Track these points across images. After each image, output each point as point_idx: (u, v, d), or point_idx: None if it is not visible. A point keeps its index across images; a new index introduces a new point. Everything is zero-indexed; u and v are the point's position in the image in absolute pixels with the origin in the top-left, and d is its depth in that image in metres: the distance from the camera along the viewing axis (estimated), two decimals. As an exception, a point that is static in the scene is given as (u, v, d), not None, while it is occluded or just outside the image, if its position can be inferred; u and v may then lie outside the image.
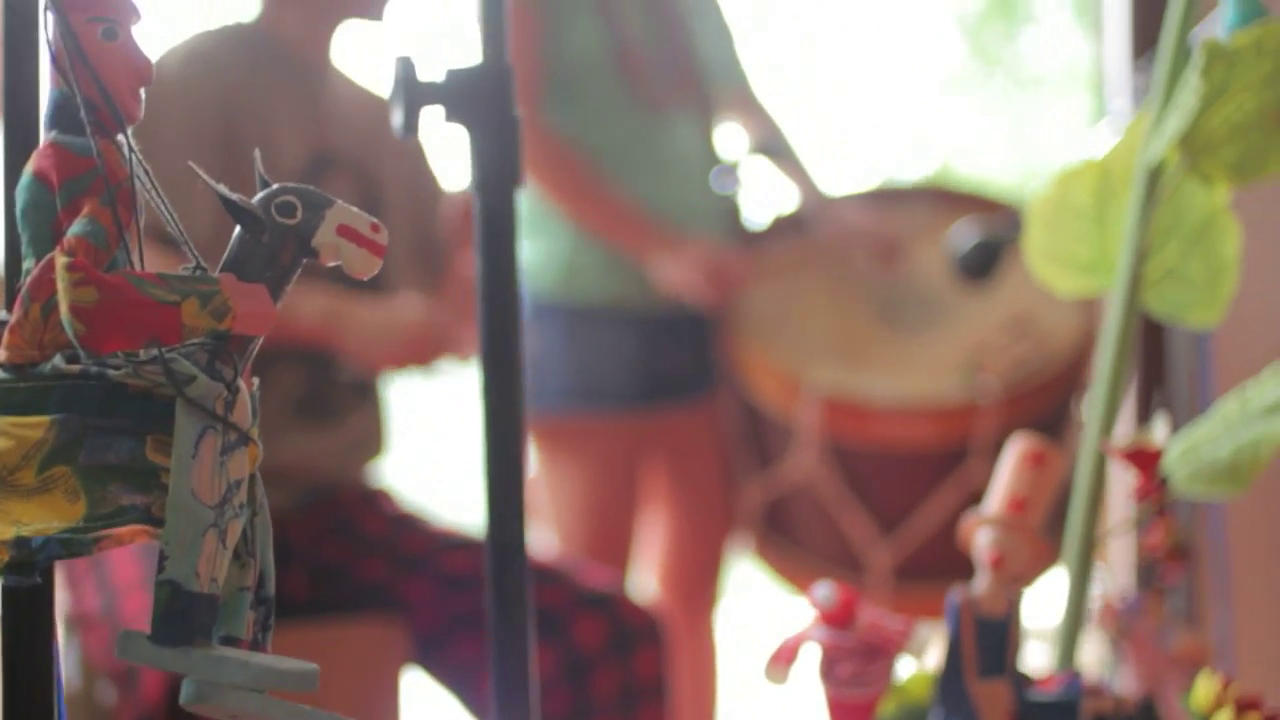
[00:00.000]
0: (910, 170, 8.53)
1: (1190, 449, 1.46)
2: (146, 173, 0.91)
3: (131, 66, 0.90)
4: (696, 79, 3.08)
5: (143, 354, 0.86)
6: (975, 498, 2.81)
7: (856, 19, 8.31)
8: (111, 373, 0.86)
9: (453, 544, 2.43)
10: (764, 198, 3.27)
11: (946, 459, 2.89)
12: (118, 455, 0.87)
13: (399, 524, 2.47)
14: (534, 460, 3.03)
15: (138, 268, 0.89)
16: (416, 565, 2.40)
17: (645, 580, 3.14)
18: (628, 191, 2.95)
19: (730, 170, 3.12)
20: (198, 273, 0.89)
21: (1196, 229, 1.51)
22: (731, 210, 3.14)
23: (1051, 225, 1.57)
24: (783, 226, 3.19)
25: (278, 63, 2.46)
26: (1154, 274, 1.51)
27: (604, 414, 2.99)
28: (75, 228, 0.86)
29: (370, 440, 2.53)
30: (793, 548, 3.05)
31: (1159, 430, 2.26)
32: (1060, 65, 8.94)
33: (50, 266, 0.86)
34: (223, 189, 0.88)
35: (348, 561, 2.40)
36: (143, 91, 0.91)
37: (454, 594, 2.38)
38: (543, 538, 2.97)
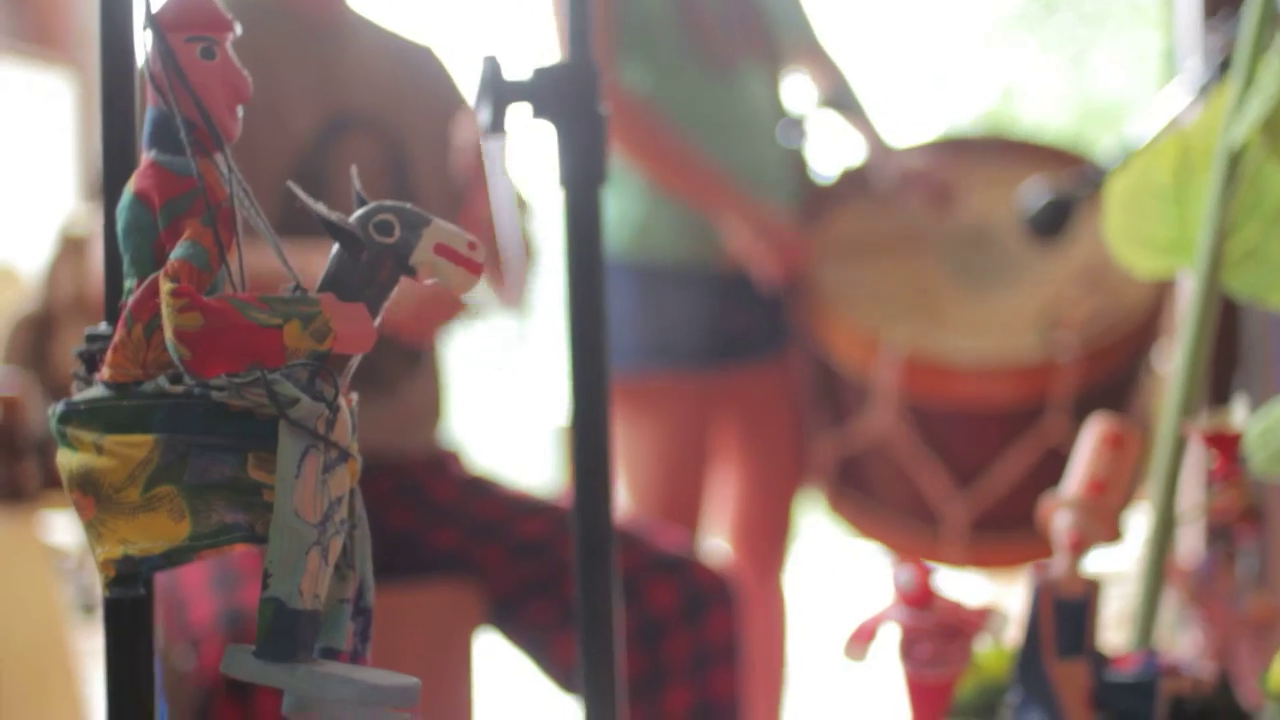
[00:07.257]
0: (971, 107, 8.48)
1: (1269, 429, 1.45)
2: (246, 191, 0.91)
3: (230, 85, 0.91)
4: (764, 34, 3.07)
5: (244, 375, 0.87)
6: (1053, 453, 2.82)
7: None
8: (214, 393, 0.87)
9: (526, 509, 2.43)
10: (831, 151, 3.26)
11: (1024, 415, 2.88)
12: (220, 474, 0.88)
13: (470, 489, 2.47)
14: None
15: (239, 284, 0.90)
16: (490, 532, 2.40)
17: (716, 539, 3.15)
18: (699, 149, 2.94)
19: (797, 124, 3.11)
20: (297, 293, 0.90)
21: (1277, 208, 1.49)
22: (799, 164, 3.13)
23: (1131, 206, 1.56)
24: (850, 180, 3.18)
25: (283, 21, 2.41)
26: (1234, 254, 1.50)
27: (676, 373, 2.99)
28: (178, 251, 0.87)
29: (427, 410, 2.51)
30: (868, 502, 3.05)
31: (1239, 412, 2.24)
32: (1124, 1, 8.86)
33: (154, 289, 0.87)
34: (322, 208, 0.89)
35: (418, 529, 2.40)
36: (240, 109, 0.92)
37: (528, 559, 2.38)
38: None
